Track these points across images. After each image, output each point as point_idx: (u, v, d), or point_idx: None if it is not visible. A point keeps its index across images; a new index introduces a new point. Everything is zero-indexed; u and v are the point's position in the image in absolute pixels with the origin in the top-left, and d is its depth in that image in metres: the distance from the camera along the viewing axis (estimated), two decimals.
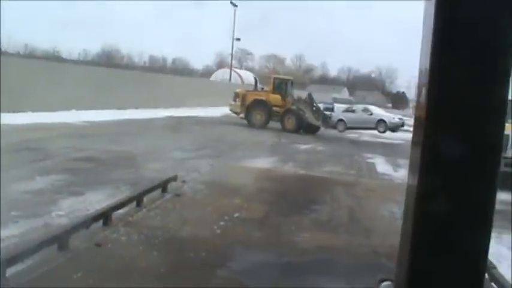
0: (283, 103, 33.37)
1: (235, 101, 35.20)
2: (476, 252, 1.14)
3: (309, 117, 32.68)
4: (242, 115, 34.04)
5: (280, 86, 34.82)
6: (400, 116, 35.50)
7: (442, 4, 1.09)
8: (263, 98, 33.94)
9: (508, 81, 1.10)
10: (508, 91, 1.10)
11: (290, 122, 32.55)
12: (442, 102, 1.11)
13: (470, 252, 1.13)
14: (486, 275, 3.54)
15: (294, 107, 33.21)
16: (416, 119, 1.22)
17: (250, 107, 33.61)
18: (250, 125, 32.74)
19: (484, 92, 1.09)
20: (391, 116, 35.65)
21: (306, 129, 32.61)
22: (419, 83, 1.19)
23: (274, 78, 36.28)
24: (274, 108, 33.10)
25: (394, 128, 32.94)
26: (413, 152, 1.20)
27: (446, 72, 1.10)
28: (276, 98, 33.57)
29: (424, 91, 1.14)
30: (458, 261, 1.13)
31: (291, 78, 39.01)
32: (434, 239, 1.13)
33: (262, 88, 36.73)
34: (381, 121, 33.15)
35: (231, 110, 35.73)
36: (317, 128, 33.14)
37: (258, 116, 33.20)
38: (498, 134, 1.12)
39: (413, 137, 1.22)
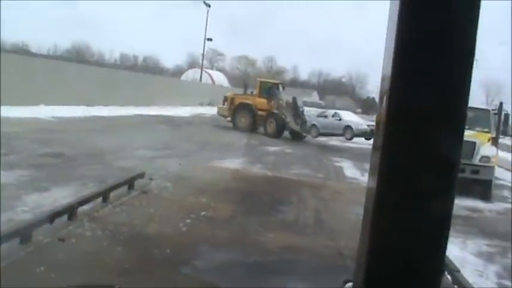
0: (268, 107, 32.91)
1: (223, 104, 35.16)
2: (434, 253, 1.16)
3: (290, 121, 31.96)
4: (229, 118, 33.86)
5: (267, 89, 34.05)
6: (370, 123, 32.73)
7: (406, 9, 1.10)
8: (249, 101, 33.72)
9: (469, 87, 1.12)
10: (468, 96, 1.12)
11: (271, 126, 32.20)
12: (402, 107, 1.12)
13: (428, 254, 1.15)
14: (449, 278, 3.59)
15: (276, 111, 32.54)
16: (377, 124, 1.23)
17: (236, 111, 33.54)
18: (236, 128, 32.62)
19: (445, 98, 1.11)
20: (359, 122, 33.60)
21: (292, 134, 32.30)
22: (381, 88, 1.20)
23: (261, 82, 35.64)
24: (260, 112, 32.81)
25: (361, 134, 31.00)
26: (373, 157, 1.21)
27: (407, 78, 1.11)
28: (261, 102, 33.19)
29: (385, 97, 1.15)
30: (416, 262, 1.15)
31: (279, 82, 38.12)
32: (392, 242, 1.14)
33: (252, 92, 35.64)
34: (348, 127, 31.80)
35: (218, 113, 35.62)
36: (301, 134, 32.37)
37: (243, 119, 33.05)
38: (458, 140, 1.14)
39: (374, 142, 1.23)
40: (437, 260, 1.16)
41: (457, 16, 1.09)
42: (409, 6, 1.10)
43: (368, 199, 1.20)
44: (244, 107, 33.48)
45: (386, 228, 1.14)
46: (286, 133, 32.31)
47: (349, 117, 33.92)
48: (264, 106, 32.95)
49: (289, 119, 32.01)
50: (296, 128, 32.18)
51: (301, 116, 32.93)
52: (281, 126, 32.10)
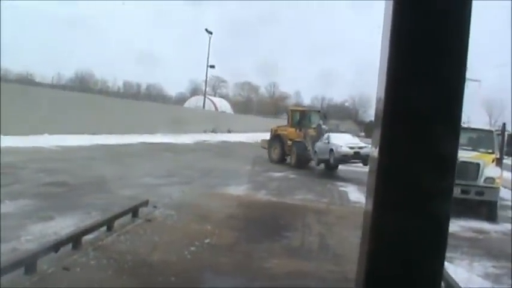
0: (296, 136, 30.32)
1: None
2: (434, 254, 1.16)
3: (311, 150, 28.98)
4: (266, 150, 32.34)
5: (297, 117, 31.73)
6: (362, 145, 27.68)
7: (399, 10, 1.12)
8: (283, 132, 31.82)
9: (463, 86, 1.14)
10: (463, 94, 1.13)
11: (293, 156, 29.81)
12: (398, 107, 1.14)
13: (428, 254, 1.15)
14: (442, 284, 3.59)
15: (301, 140, 29.71)
16: (375, 125, 1.24)
17: (270, 142, 32.37)
18: (270, 159, 31.07)
19: (440, 97, 1.12)
20: (347, 143, 27.81)
21: (325, 164, 28.37)
22: (378, 89, 1.21)
23: (291, 111, 33.63)
24: (288, 142, 30.76)
25: (342, 159, 26.94)
26: (372, 157, 1.22)
27: (402, 78, 1.13)
28: (291, 131, 31.03)
29: (381, 97, 1.17)
30: (415, 268, 1.16)
31: (311, 109, 36.41)
32: (392, 246, 1.15)
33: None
34: (331, 151, 27.07)
35: (261, 146, 33.60)
36: (333, 165, 28.11)
37: (276, 150, 31.41)
38: (454, 138, 1.15)
39: (372, 142, 1.24)
40: (437, 260, 1.17)
41: (450, 16, 1.11)
42: (402, 7, 1.12)
43: (368, 200, 1.22)
44: (276, 138, 31.95)
45: (386, 229, 1.15)
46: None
47: (338, 140, 28.12)
48: (293, 136, 30.59)
49: (310, 148, 29.13)
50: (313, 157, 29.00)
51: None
52: (302, 156, 29.24)
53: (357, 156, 26.65)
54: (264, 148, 32.73)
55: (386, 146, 1.15)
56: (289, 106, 39.95)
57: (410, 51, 1.12)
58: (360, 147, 27.02)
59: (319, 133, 29.51)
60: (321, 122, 31.23)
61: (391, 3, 1.13)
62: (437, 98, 1.12)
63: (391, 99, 1.14)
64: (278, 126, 33.83)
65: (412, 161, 1.13)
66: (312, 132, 29.82)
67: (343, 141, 27.91)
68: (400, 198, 1.14)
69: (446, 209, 1.15)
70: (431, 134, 1.12)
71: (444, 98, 1.12)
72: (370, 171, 1.25)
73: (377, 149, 1.17)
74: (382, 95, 1.16)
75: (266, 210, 7.48)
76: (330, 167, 28.36)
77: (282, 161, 30.64)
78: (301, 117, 31.95)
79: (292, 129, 31.06)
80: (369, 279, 1.18)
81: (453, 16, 1.11)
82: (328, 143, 27.68)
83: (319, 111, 34.44)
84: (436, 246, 1.16)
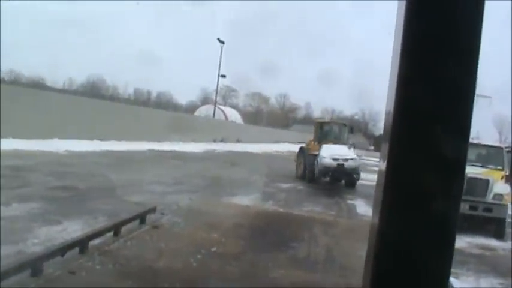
0: (317, 150, 26.85)
1: None
2: (438, 273, 1.16)
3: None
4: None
5: (323, 130, 29.47)
6: (349, 156, 24.99)
7: (411, 10, 1.12)
8: (307, 146, 29.18)
9: (474, 86, 1.13)
10: (474, 95, 1.13)
11: (308, 171, 26.73)
12: (409, 108, 1.13)
13: (433, 272, 1.15)
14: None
15: (314, 153, 26.71)
16: (384, 125, 1.24)
17: (297, 156, 29.81)
18: (296, 175, 28.41)
19: (451, 98, 1.12)
20: (332, 154, 25.02)
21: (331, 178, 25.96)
22: (389, 89, 1.21)
23: (316, 123, 31.36)
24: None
25: (325, 173, 25.03)
26: (379, 174, 1.21)
27: (413, 78, 1.13)
28: (313, 145, 28.24)
29: (392, 97, 1.16)
30: (421, 281, 1.15)
31: (337, 122, 33.94)
32: (397, 259, 1.15)
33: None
34: (316, 163, 25.28)
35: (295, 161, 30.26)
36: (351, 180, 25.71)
37: (300, 165, 28.44)
38: (463, 157, 1.14)
39: (383, 142, 1.23)
40: (444, 262, 1.16)
41: (462, 16, 1.11)
42: (415, 7, 1.12)
43: (375, 204, 1.21)
44: (300, 152, 29.34)
45: (393, 233, 1.15)
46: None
47: (327, 151, 25.42)
48: (314, 149, 27.48)
49: None
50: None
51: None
52: (312, 169, 26.10)
53: (340, 170, 24.59)
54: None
55: (394, 149, 1.15)
56: (316, 119, 37.81)
57: (422, 52, 1.12)
58: (345, 159, 24.70)
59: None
60: (345, 135, 29.65)
61: (403, 3, 1.13)
62: (447, 100, 1.12)
63: (402, 100, 1.14)
64: (310, 140, 30.16)
65: (420, 164, 1.13)
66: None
67: (330, 152, 25.23)
68: (408, 201, 1.13)
69: (454, 215, 1.15)
70: (440, 137, 1.12)
71: (455, 98, 1.12)
72: (378, 173, 1.24)
73: (386, 154, 1.17)
74: (393, 95, 1.16)
75: (273, 220, 7.46)
76: (350, 182, 25.72)
77: (302, 177, 27.37)
78: (326, 129, 30.00)
79: (315, 143, 28.42)
80: (375, 283, 1.18)
81: (465, 17, 1.11)
82: (318, 154, 25.46)
83: (345, 124, 31.64)
84: (443, 251, 1.15)
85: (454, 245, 1.16)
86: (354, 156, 25.43)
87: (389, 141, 1.16)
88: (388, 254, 1.16)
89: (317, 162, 24.96)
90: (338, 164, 24.43)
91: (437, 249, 1.15)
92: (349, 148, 27.19)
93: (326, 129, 29.90)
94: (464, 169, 1.16)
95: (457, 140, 1.13)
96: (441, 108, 1.12)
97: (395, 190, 1.15)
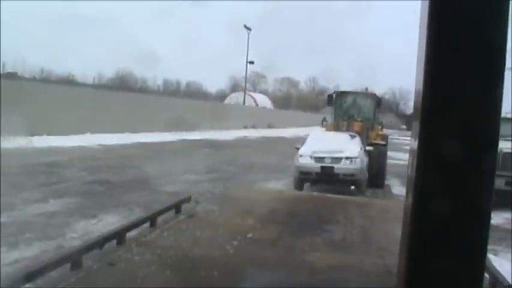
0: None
1: None
2: (475, 250, 1.14)
3: None
4: None
5: (342, 105, 21.45)
6: (350, 154, 16.05)
7: (435, 9, 1.10)
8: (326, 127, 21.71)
9: (502, 80, 1.11)
10: (502, 89, 1.10)
11: None
12: (437, 103, 1.11)
13: (469, 250, 1.13)
14: (486, 274, 3.52)
15: None
16: (414, 120, 1.22)
17: None
18: None
19: (480, 92, 1.10)
20: (314, 150, 16.28)
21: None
22: (416, 86, 1.19)
23: (334, 95, 21.86)
24: None
25: (304, 179, 16.36)
26: (412, 154, 1.20)
27: (439, 76, 1.11)
28: (330, 126, 20.65)
29: (420, 94, 1.15)
30: (457, 260, 1.13)
31: (361, 92, 22.67)
32: (433, 238, 1.13)
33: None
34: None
35: None
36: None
37: None
38: (495, 133, 1.12)
39: (411, 140, 1.22)
40: (481, 239, 1.15)
41: (485, 15, 1.08)
42: (438, 7, 1.10)
43: (408, 191, 1.20)
44: None
45: (426, 219, 1.14)
46: None
47: (312, 143, 17.17)
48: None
49: None
50: None
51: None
52: None
53: (327, 176, 15.96)
54: None
55: (426, 128, 1.13)
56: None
57: (446, 49, 1.10)
58: (336, 159, 15.96)
59: (364, 128, 19.38)
60: (373, 110, 21.39)
61: (426, 3, 1.12)
62: (476, 76, 1.10)
63: (431, 78, 1.12)
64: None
65: (452, 142, 1.11)
66: (357, 127, 19.06)
67: (315, 146, 16.65)
68: (441, 180, 1.12)
69: (489, 191, 1.13)
70: (470, 113, 1.10)
71: (484, 76, 1.10)
72: (409, 166, 1.23)
73: (416, 142, 1.15)
74: (420, 89, 1.14)
75: (308, 205, 7.43)
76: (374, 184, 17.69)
77: None
78: (346, 103, 21.60)
79: (332, 123, 20.59)
80: (410, 269, 1.17)
81: (489, 15, 1.09)
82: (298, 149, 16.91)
83: (374, 94, 22.24)
84: (479, 228, 1.13)
85: (489, 221, 1.14)
86: (356, 152, 16.35)
87: (420, 120, 1.14)
88: (424, 233, 1.15)
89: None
90: (322, 167, 15.92)
91: (472, 227, 1.13)
92: (352, 138, 17.51)
93: (347, 103, 21.54)
94: (497, 144, 1.14)
95: (488, 115, 1.11)
96: (470, 83, 1.10)
97: (427, 170, 1.13)
